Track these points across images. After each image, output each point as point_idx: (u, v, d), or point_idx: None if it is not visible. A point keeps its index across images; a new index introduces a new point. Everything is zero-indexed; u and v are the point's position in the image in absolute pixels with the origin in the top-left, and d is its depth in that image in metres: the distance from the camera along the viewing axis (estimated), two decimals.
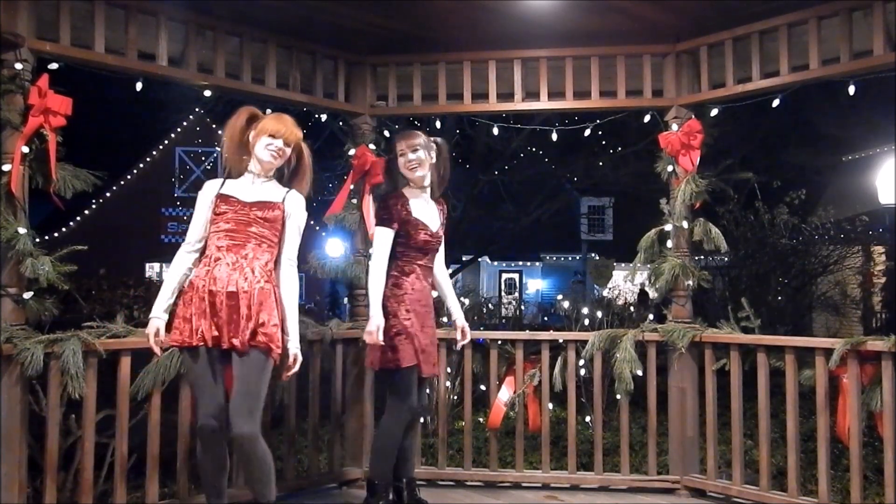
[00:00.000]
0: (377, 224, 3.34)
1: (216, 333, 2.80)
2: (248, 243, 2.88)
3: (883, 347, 3.28)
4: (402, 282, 3.31)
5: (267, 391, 2.94)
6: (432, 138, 3.43)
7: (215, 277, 2.83)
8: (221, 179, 3.01)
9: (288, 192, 2.99)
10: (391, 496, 3.37)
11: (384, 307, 3.26)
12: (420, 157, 3.31)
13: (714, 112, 4.03)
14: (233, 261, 2.85)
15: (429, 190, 3.42)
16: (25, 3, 3.10)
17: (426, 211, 3.38)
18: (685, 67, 4.03)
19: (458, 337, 3.54)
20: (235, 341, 2.79)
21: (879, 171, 8.87)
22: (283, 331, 2.91)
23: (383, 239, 3.30)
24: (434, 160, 3.38)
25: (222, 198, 2.92)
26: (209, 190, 2.98)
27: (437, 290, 3.57)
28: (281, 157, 2.96)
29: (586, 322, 5.41)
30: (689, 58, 4.02)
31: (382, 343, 3.20)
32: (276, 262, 2.97)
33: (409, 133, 3.38)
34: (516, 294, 23.95)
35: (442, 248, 3.52)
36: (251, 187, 2.96)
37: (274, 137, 2.92)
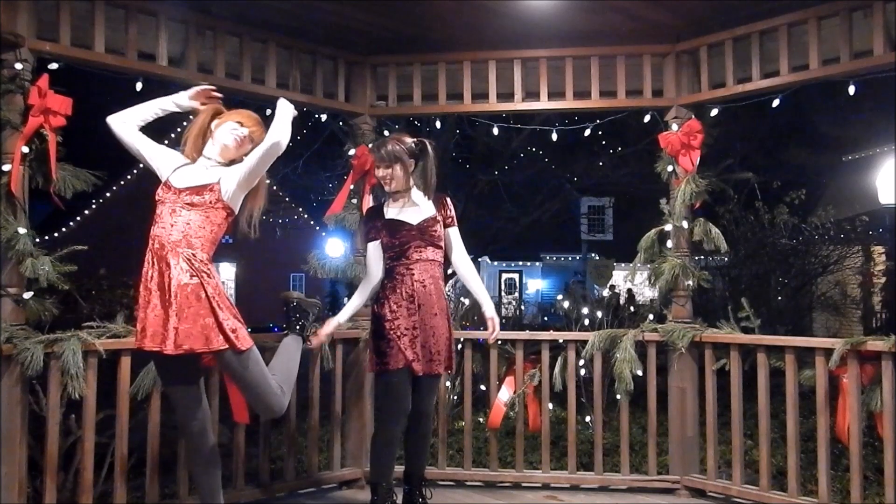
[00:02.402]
0: (365, 241, 3.45)
1: (152, 332, 2.69)
2: (172, 235, 2.70)
3: (883, 347, 3.28)
4: (386, 284, 3.32)
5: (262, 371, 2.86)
6: (415, 140, 3.37)
7: (149, 274, 2.72)
8: (183, 161, 2.86)
9: (226, 169, 2.82)
10: (394, 497, 3.35)
11: (373, 309, 3.34)
12: (390, 173, 3.31)
13: (714, 112, 4.03)
14: (159, 250, 2.70)
15: (411, 192, 3.37)
16: (25, 3, 3.10)
17: (405, 209, 3.35)
18: (685, 67, 4.03)
19: (489, 328, 3.44)
20: (165, 344, 2.65)
21: (879, 171, 8.87)
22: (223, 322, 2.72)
23: (370, 253, 3.40)
24: (412, 166, 3.35)
25: (166, 185, 2.78)
26: (172, 162, 2.85)
27: (465, 284, 3.57)
28: (242, 147, 2.86)
29: (586, 322, 5.41)
30: (689, 58, 4.03)
31: (323, 341, 3.46)
32: (205, 247, 2.76)
33: (380, 145, 3.35)
34: (516, 294, 23.96)
35: (458, 242, 3.48)
36: (193, 172, 2.80)
37: (241, 125, 2.86)
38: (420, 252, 3.30)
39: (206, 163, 2.85)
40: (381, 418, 3.34)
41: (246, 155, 2.86)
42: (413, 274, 3.28)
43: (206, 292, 2.69)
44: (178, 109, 2.92)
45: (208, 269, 2.74)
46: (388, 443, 3.27)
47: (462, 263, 3.50)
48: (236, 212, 2.84)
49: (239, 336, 2.72)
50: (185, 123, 3.07)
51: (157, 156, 2.86)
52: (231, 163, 2.86)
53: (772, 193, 8.72)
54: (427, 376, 3.29)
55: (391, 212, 3.36)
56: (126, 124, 2.84)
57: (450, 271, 3.59)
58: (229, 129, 2.84)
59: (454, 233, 3.47)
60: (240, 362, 2.75)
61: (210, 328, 2.68)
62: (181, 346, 2.65)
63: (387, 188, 3.36)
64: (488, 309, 3.44)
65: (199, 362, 2.86)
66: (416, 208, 3.35)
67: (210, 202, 2.75)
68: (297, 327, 3.25)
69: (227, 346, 2.70)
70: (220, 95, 2.98)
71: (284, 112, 2.84)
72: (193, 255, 2.70)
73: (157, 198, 2.78)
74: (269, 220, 16.51)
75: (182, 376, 2.79)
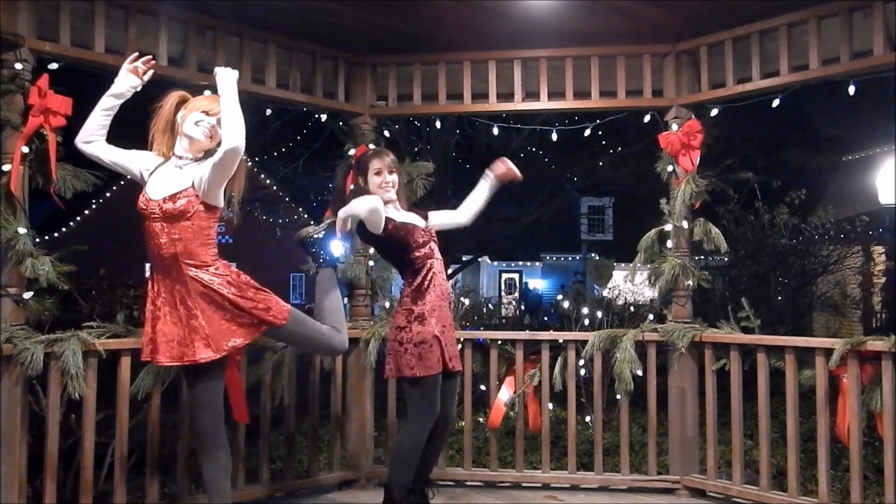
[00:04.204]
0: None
1: (178, 346, 2.68)
2: (170, 249, 2.64)
3: (883, 347, 3.28)
4: (418, 283, 3.22)
5: (308, 329, 2.95)
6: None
7: (156, 289, 2.70)
8: (157, 161, 2.76)
9: (198, 168, 2.70)
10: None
11: (410, 312, 3.19)
12: (394, 179, 3.31)
13: (714, 112, 4.03)
14: (162, 268, 2.68)
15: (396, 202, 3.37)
16: (25, 3, 3.10)
17: (405, 215, 3.35)
18: (685, 67, 4.03)
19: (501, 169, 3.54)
20: (199, 354, 2.65)
21: (879, 171, 8.88)
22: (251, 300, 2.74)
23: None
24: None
25: (144, 197, 2.69)
26: (148, 163, 2.76)
27: (473, 207, 3.54)
28: (213, 138, 2.73)
29: (586, 322, 5.41)
30: (689, 58, 4.02)
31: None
32: (209, 248, 2.72)
33: (383, 152, 3.36)
34: (516, 294, 23.94)
35: (445, 211, 3.52)
36: (167, 177, 2.70)
37: (207, 115, 2.72)
38: (435, 251, 3.33)
39: (179, 162, 2.74)
40: (414, 424, 3.22)
41: (218, 137, 2.74)
42: (439, 273, 3.29)
43: (224, 291, 2.69)
44: (122, 98, 2.74)
45: (217, 267, 2.72)
46: (418, 448, 3.21)
47: (464, 209, 3.52)
48: (221, 205, 2.77)
49: (274, 312, 2.78)
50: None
51: (132, 164, 2.76)
52: (207, 154, 2.76)
53: (772, 193, 8.72)
54: (452, 374, 3.30)
55: (400, 215, 3.32)
56: (92, 143, 2.73)
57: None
58: (195, 122, 2.71)
59: (439, 213, 3.49)
60: (286, 331, 2.86)
61: (243, 321, 2.72)
62: (222, 348, 2.68)
63: (388, 194, 3.29)
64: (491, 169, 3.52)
65: (224, 361, 2.82)
66: (410, 214, 3.37)
67: (190, 207, 2.66)
68: (323, 260, 3.21)
69: (266, 329, 2.76)
70: (146, 64, 2.75)
71: (228, 93, 2.62)
72: (198, 263, 2.68)
73: (139, 209, 2.70)
74: (269, 221, 16.52)
75: (213, 377, 2.77)
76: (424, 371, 3.14)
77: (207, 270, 2.69)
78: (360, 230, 3.28)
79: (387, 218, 3.20)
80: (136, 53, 2.77)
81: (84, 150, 2.75)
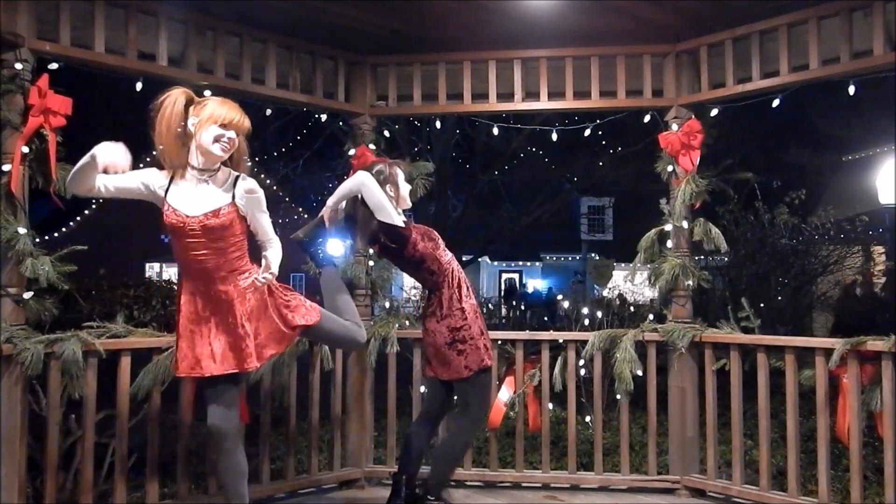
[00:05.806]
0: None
1: (226, 362, 2.68)
2: (212, 262, 2.63)
3: (883, 347, 3.28)
4: (460, 282, 3.23)
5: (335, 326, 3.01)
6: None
7: (199, 305, 2.69)
8: (167, 177, 2.66)
9: (233, 189, 2.66)
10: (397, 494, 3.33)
11: (462, 310, 3.16)
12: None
13: (714, 112, 4.03)
14: (206, 282, 2.66)
15: None
16: (25, 3, 3.11)
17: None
18: (685, 67, 4.03)
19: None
20: (248, 363, 2.68)
21: (879, 171, 8.88)
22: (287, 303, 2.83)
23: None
24: None
25: (175, 213, 2.61)
26: (156, 178, 2.65)
27: None
28: (232, 150, 2.64)
29: (586, 322, 5.41)
30: (689, 58, 4.03)
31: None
32: (244, 255, 2.73)
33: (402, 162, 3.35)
34: (512, 296, 23.96)
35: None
36: (195, 192, 2.63)
37: (226, 128, 2.59)
38: None
39: (202, 175, 2.64)
40: (472, 422, 3.20)
41: (236, 147, 2.68)
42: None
43: (269, 300, 2.76)
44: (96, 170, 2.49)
45: (255, 270, 2.74)
46: (468, 446, 3.26)
47: None
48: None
49: (309, 316, 2.85)
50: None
51: (138, 184, 2.64)
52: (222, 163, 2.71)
53: (772, 193, 8.72)
54: None
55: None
56: (92, 189, 2.56)
57: None
58: (214, 139, 2.59)
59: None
60: (318, 329, 2.92)
61: (280, 329, 2.79)
62: (263, 357, 2.75)
63: (405, 206, 3.28)
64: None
65: None
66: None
67: (234, 220, 2.65)
68: (322, 258, 3.24)
69: (300, 331, 2.84)
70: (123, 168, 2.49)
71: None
72: (241, 270, 2.70)
73: (169, 226, 2.62)
74: None
75: (240, 381, 2.80)
76: (492, 358, 3.22)
77: (250, 274, 2.71)
78: (385, 251, 3.22)
79: (411, 225, 3.20)
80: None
81: (85, 196, 2.62)
